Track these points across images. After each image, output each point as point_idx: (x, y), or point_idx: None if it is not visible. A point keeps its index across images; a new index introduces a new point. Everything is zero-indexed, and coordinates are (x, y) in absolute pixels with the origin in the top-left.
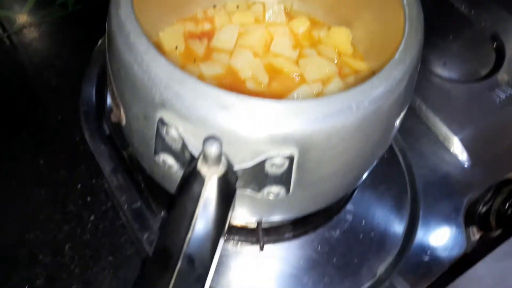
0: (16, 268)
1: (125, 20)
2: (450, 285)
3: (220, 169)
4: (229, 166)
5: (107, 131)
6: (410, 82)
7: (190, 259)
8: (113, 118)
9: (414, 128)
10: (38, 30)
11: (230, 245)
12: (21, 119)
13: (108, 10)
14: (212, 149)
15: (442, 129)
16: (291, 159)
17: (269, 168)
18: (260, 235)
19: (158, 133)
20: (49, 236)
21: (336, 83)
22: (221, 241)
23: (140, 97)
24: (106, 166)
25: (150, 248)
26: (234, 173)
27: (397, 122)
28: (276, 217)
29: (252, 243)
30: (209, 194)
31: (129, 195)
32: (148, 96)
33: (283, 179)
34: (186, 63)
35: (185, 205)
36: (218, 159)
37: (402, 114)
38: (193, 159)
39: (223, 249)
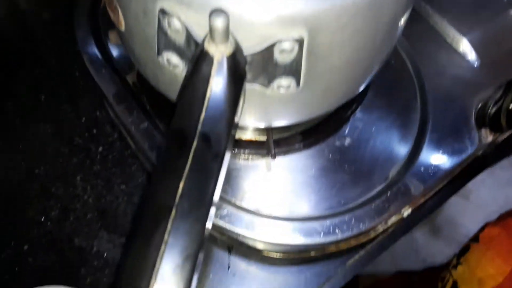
0: (30, 202)
1: None
2: (461, 189)
3: (229, 48)
4: (238, 46)
5: (107, 55)
6: None
7: (205, 138)
8: (112, 38)
9: (421, 32)
10: None
11: (241, 159)
12: (16, 58)
13: None
14: (219, 22)
15: (450, 30)
16: (300, 42)
17: (278, 56)
18: (271, 143)
19: (160, 27)
20: (59, 170)
21: None
22: (236, 123)
23: None
24: (109, 90)
25: None
26: (243, 56)
27: (405, 17)
28: (286, 120)
29: (263, 155)
30: (219, 73)
31: (136, 117)
32: None
33: (293, 69)
34: None
35: (195, 86)
36: (226, 34)
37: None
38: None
39: (234, 163)
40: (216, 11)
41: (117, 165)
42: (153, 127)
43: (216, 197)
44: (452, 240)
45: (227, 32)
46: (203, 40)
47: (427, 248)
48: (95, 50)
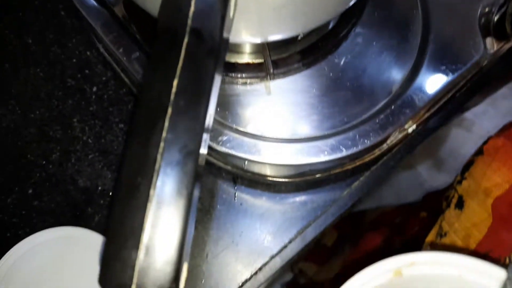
0: (29, 146)
1: None
2: (466, 104)
3: None
4: None
5: None
6: None
7: (197, 33)
8: None
9: None
10: None
11: (240, 84)
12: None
13: None
14: None
15: None
16: None
17: None
18: (269, 62)
19: None
20: (55, 112)
21: None
22: (229, 17)
23: None
24: (97, 21)
25: None
26: None
27: None
28: (282, 32)
29: (262, 78)
30: None
31: (126, 47)
32: None
33: None
34: None
35: None
36: None
37: None
38: None
39: (233, 89)
40: None
41: (114, 104)
42: (145, 56)
43: (212, 108)
44: (456, 172)
45: None
46: None
47: (431, 181)
48: None
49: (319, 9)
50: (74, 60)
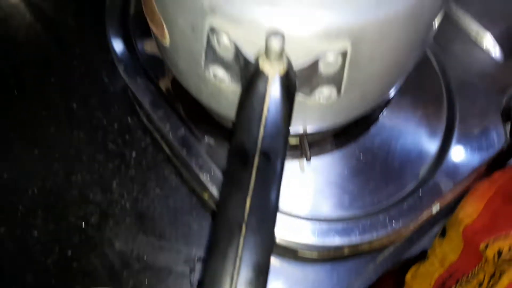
0: (70, 208)
1: None
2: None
3: (282, 66)
4: (290, 64)
5: (140, 62)
6: None
7: (265, 155)
8: (147, 47)
9: (444, 28)
10: None
11: None
12: (47, 67)
13: None
14: (276, 43)
15: (473, 25)
16: (344, 54)
17: (323, 68)
18: (306, 145)
19: (208, 43)
20: (96, 175)
21: None
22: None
23: (187, 6)
24: (145, 98)
25: (201, 172)
26: (294, 71)
27: (437, 21)
28: (323, 125)
29: (296, 157)
30: (275, 91)
31: (172, 124)
32: (195, 3)
33: (335, 79)
34: None
35: (252, 105)
36: (281, 54)
37: (441, 13)
38: (247, 64)
39: None
40: (273, 33)
41: (151, 169)
42: (190, 133)
43: None
44: None
45: (282, 52)
46: (257, 59)
47: None
48: (129, 59)
49: (360, 106)
50: (116, 126)
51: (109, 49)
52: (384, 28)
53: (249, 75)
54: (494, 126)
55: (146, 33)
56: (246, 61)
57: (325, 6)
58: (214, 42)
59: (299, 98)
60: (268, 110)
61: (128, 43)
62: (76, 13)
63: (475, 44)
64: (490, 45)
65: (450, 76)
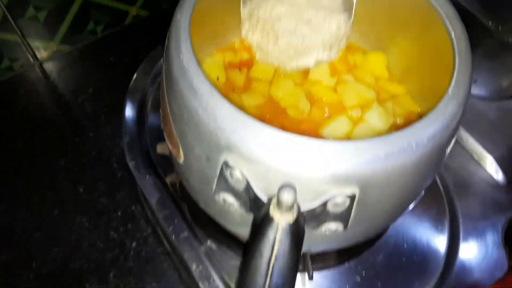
0: None
1: (187, 65)
2: None
3: (293, 215)
4: (299, 211)
5: (151, 160)
6: (463, 114)
7: None
8: (159, 149)
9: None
10: (69, 57)
11: None
12: (59, 147)
13: (166, 53)
14: (288, 197)
15: (477, 148)
16: (352, 198)
17: (331, 208)
18: (309, 264)
19: (221, 174)
20: (94, 264)
21: (375, 109)
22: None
23: (204, 140)
24: (153, 197)
25: (200, 280)
26: (303, 216)
27: (449, 150)
28: (326, 248)
29: (299, 271)
30: (284, 240)
31: (176, 225)
32: (212, 139)
33: (343, 217)
34: (227, 93)
35: (260, 251)
36: (292, 206)
37: (453, 142)
38: (257, 200)
39: None
40: (286, 187)
41: (150, 262)
42: (193, 236)
43: None
44: None
45: (293, 204)
46: (268, 205)
47: None
48: (140, 154)
49: (365, 235)
50: (119, 213)
51: (122, 137)
52: (391, 177)
53: (259, 219)
54: (497, 250)
55: (162, 133)
56: (256, 197)
57: (336, 155)
58: (227, 174)
59: (306, 230)
60: (276, 259)
61: (141, 137)
62: (93, 98)
63: (478, 166)
64: (493, 168)
65: (454, 196)
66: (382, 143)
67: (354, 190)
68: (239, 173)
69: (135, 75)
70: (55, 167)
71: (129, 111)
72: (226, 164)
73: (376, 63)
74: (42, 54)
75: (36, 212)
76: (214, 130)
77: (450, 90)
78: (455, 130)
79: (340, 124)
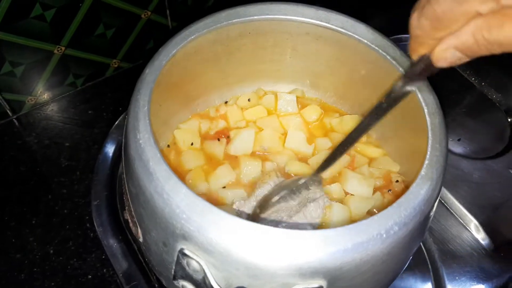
0: None
1: (144, 145)
2: None
3: None
4: None
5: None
6: (438, 193)
7: None
8: (127, 216)
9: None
10: (47, 111)
11: None
12: (31, 205)
13: (125, 129)
14: None
15: (461, 211)
16: None
17: None
18: None
19: (178, 262)
20: None
21: (352, 177)
22: None
23: (160, 226)
24: (120, 267)
25: None
26: None
27: (426, 230)
28: None
29: None
30: None
31: None
32: (168, 226)
33: None
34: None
35: None
36: None
37: (430, 221)
38: None
39: None
40: None
41: None
42: None
43: None
44: None
45: None
46: None
47: None
48: (109, 222)
49: None
50: (90, 276)
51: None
52: (361, 267)
53: None
54: None
55: None
56: None
57: (301, 246)
58: (184, 263)
59: None
60: None
61: (112, 200)
62: (69, 153)
63: (464, 229)
64: (479, 233)
65: (438, 261)
66: (350, 233)
67: (321, 282)
68: (196, 264)
69: (108, 136)
70: (26, 226)
71: (100, 172)
72: (182, 253)
73: (352, 125)
74: (18, 107)
75: (2, 276)
76: (170, 216)
77: (423, 171)
78: (431, 211)
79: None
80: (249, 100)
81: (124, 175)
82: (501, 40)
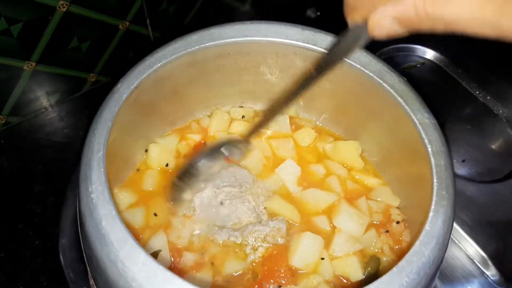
0: None
1: (97, 200)
2: None
3: None
4: None
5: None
6: (445, 250)
7: None
8: None
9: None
10: (19, 131)
11: None
12: (0, 235)
13: (77, 178)
14: None
15: (467, 241)
16: None
17: None
18: None
19: None
20: None
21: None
22: None
23: None
24: None
25: None
26: None
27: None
28: None
29: None
30: None
31: None
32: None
33: None
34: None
35: None
36: None
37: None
38: None
39: None
40: None
41: None
42: None
43: None
44: None
45: None
46: None
47: None
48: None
49: None
50: None
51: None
52: None
53: None
54: None
55: None
56: None
57: None
58: None
59: None
60: None
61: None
62: (42, 177)
63: (471, 262)
64: (487, 267)
65: None
66: None
67: None
68: None
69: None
70: None
71: (70, 205)
72: None
73: (348, 153)
74: None
75: None
76: None
77: (428, 225)
78: (437, 272)
79: (311, 244)
80: (243, 117)
81: (80, 229)
82: (445, 17)
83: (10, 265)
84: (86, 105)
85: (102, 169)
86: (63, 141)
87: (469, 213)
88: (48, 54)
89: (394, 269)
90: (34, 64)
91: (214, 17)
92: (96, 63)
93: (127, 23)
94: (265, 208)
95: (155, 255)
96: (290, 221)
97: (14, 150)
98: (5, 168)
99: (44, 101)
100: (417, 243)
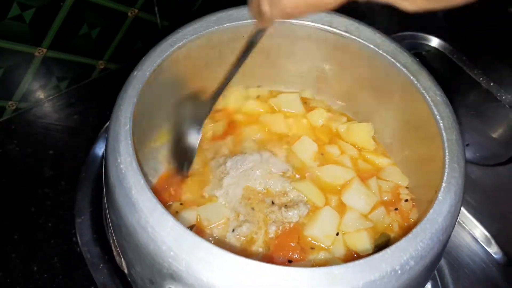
0: None
1: (126, 170)
2: None
3: None
4: None
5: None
6: (456, 218)
7: None
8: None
9: None
10: (29, 117)
11: None
12: (13, 219)
13: (105, 151)
14: None
15: (472, 222)
16: None
17: None
18: None
19: None
20: None
21: (354, 188)
22: None
23: (145, 262)
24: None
25: None
26: None
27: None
28: None
29: None
30: None
31: None
32: (154, 264)
33: None
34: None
35: None
36: None
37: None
38: None
39: None
40: None
41: None
42: None
43: None
44: None
45: None
46: None
47: None
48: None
49: None
50: None
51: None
52: None
53: None
54: None
55: None
56: None
57: (306, 283)
58: None
59: None
60: None
61: (97, 217)
62: (53, 162)
63: (475, 241)
64: (490, 246)
65: (448, 278)
66: (361, 270)
67: None
68: None
69: (94, 144)
70: (7, 243)
71: (84, 186)
72: None
73: (360, 135)
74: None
75: None
76: (155, 254)
77: (440, 195)
78: (448, 239)
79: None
80: (258, 96)
81: (105, 201)
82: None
83: (24, 246)
84: (94, 91)
85: (130, 141)
86: (73, 126)
87: (473, 195)
88: (59, 40)
89: (409, 235)
90: (45, 50)
91: (226, 4)
92: (105, 50)
93: (136, 10)
94: (293, 188)
95: (190, 228)
96: (314, 205)
97: (25, 135)
98: (17, 153)
99: (54, 87)
100: (431, 211)
